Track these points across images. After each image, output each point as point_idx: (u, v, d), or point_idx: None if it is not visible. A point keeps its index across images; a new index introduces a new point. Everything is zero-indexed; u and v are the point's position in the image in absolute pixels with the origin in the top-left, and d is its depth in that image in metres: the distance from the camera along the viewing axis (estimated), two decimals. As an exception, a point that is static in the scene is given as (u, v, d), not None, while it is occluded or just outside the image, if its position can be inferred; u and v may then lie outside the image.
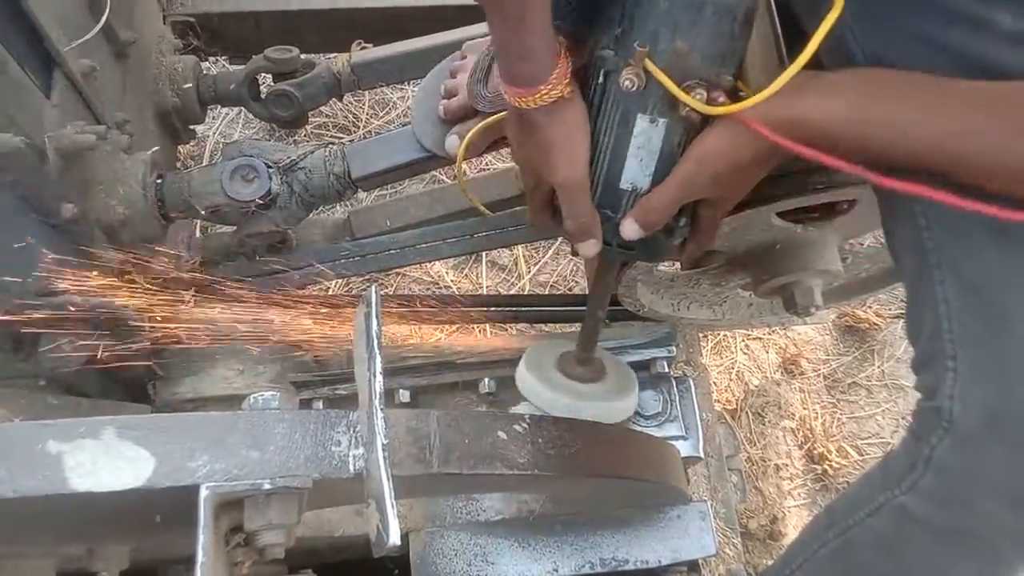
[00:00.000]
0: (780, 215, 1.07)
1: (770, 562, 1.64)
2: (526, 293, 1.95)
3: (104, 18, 1.08)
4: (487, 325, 1.85)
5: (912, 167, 0.72)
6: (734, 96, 0.76)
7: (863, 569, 0.90)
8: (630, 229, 0.80)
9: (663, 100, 0.75)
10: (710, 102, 0.74)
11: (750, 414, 1.94)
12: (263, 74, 1.33)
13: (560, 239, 1.86)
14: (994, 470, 0.74)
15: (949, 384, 0.75)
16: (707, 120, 0.76)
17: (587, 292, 0.96)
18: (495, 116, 1.00)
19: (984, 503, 0.75)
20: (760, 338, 2.05)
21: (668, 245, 0.85)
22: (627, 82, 0.74)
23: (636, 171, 0.78)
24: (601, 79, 0.77)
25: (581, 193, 0.80)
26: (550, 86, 0.75)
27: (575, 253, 0.91)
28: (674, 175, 0.77)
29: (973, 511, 0.77)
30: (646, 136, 0.76)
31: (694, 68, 0.73)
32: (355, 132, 2.12)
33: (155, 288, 1.07)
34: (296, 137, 2.08)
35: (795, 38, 0.86)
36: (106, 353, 1.03)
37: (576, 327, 1.63)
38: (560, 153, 0.79)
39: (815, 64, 0.83)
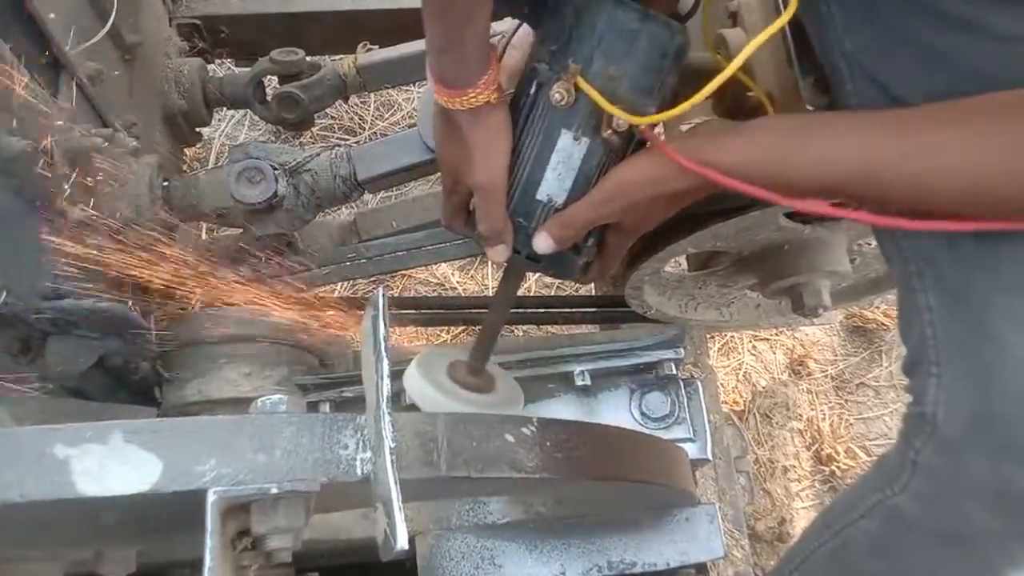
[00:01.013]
0: (788, 216, 1.06)
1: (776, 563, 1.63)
2: (531, 295, 1.95)
3: (110, 21, 1.08)
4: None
5: (838, 198, 0.74)
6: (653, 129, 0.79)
7: (857, 569, 0.90)
8: (543, 242, 0.81)
9: (589, 119, 0.77)
10: (631, 130, 0.76)
11: (758, 415, 1.93)
12: (269, 76, 1.33)
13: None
14: (977, 473, 0.74)
15: (933, 389, 0.76)
16: (626, 148, 0.79)
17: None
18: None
19: (968, 505, 0.76)
20: (767, 339, 2.04)
21: (574, 263, 0.86)
22: (557, 95, 0.76)
23: (554, 184, 0.80)
24: (533, 90, 0.79)
25: (496, 197, 0.81)
26: (478, 90, 0.77)
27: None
28: (592, 195, 0.79)
29: (958, 513, 0.77)
30: (567, 152, 0.78)
31: (622, 95, 0.75)
32: (361, 134, 2.12)
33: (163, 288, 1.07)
34: (302, 139, 2.08)
35: (802, 35, 0.87)
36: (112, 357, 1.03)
37: (581, 328, 1.63)
38: (480, 156, 0.80)
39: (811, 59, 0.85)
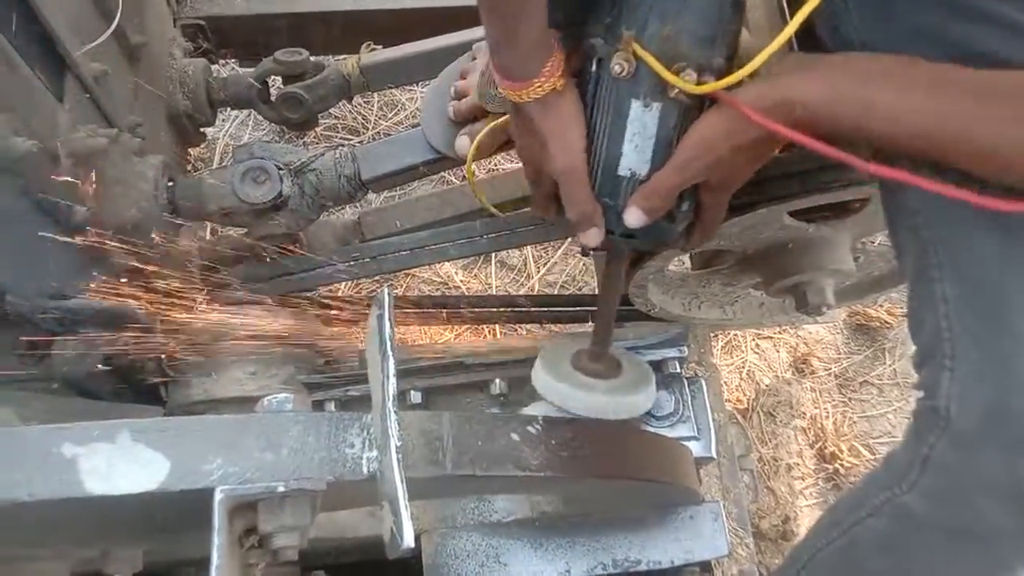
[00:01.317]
0: (792, 214, 1.06)
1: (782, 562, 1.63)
2: (536, 293, 1.95)
3: (115, 22, 1.09)
4: (497, 325, 1.85)
5: (905, 151, 0.72)
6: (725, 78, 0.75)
7: (866, 568, 0.90)
8: (633, 216, 0.80)
9: (655, 84, 0.75)
10: (700, 84, 0.74)
11: (761, 413, 1.93)
12: (273, 77, 1.34)
13: (569, 239, 1.86)
14: (991, 469, 0.73)
15: (947, 383, 0.75)
16: (702, 103, 0.76)
17: (597, 291, 0.96)
18: (505, 117, 1.00)
19: (981, 502, 0.75)
20: (771, 337, 2.04)
21: (672, 231, 0.84)
22: (617, 67, 0.74)
23: (633, 157, 0.78)
24: (594, 67, 0.78)
25: (579, 181, 0.80)
26: (543, 79, 0.76)
27: (585, 253, 0.90)
28: (673, 160, 0.77)
29: (971, 510, 0.76)
30: (641, 122, 0.77)
31: (683, 52, 0.73)
32: (364, 133, 2.12)
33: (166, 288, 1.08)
34: (305, 139, 2.08)
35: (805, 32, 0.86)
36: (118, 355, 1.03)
37: (587, 327, 1.63)
38: (556, 143, 0.80)
39: (816, 47, 0.83)
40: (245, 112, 2.11)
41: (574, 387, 0.96)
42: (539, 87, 0.77)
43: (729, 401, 1.89)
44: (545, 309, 1.59)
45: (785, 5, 0.92)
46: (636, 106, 0.76)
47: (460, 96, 1.10)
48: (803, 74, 0.73)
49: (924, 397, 0.78)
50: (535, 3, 0.73)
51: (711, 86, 0.73)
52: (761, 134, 0.74)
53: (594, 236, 0.83)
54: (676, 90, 0.74)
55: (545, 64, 0.76)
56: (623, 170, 0.79)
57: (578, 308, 1.54)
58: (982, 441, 0.73)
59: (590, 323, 1.59)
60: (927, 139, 0.70)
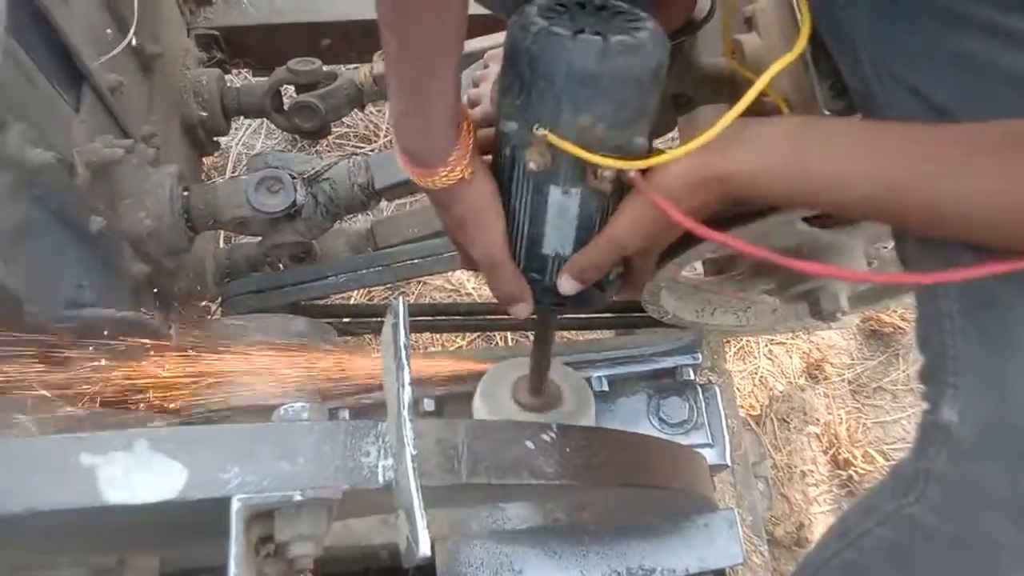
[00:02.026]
0: (805, 220, 1.06)
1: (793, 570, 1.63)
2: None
3: (131, 33, 1.09)
4: (508, 332, 1.85)
5: (851, 215, 0.71)
6: (647, 157, 0.72)
7: None
8: (567, 286, 0.78)
9: (573, 172, 0.71)
10: (622, 173, 0.70)
11: (775, 420, 1.92)
12: (286, 86, 1.34)
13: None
14: (993, 484, 0.73)
15: (949, 399, 0.74)
16: (621, 184, 0.72)
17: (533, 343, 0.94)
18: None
19: (984, 516, 0.75)
20: (783, 343, 2.03)
21: (602, 298, 0.82)
22: (532, 164, 0.70)
23: (557, 238, 0.75)
24: (508, 152, 0.73)
25: (500, 266, 0.77)
26: (448, 168, 0.72)
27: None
28: (606, 237, 0.74)
29: (973, 524, 0.76)
30: (561, 206, 0.73)
31: (601, 139, 0.68)
32: (376, 142, 2.13)
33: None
34: (318, 147, 2.09)
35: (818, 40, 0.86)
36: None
37: (590, 333, 1.63)
38: (472, 232, 0.77)
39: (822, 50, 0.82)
40: (258, 121, 2.12)
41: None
42: (445, 176, 0.72)
43: (742, 407, 1.88)
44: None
45: (796, 6, 0.92)
46: (555, 192, 0.72)
47: (472, 104, 1.10)
48: (732, 147, 0.69)
49: (928, 410, 0.78)
50: (447, 82, 0.69)
51: (640, 162, 0.69)
52: (693, 207, 0.71)
53: (522, 310, 0.81)
54: (596, 180, 0.70)
55: (451, 152, 0.71)
56: (548, 249, 0.76)
57: (586, 315, 1.54)
58: (983, 456, 0.73)
59: (596, 331, 1.60)
60: (868, 202, 0.69)
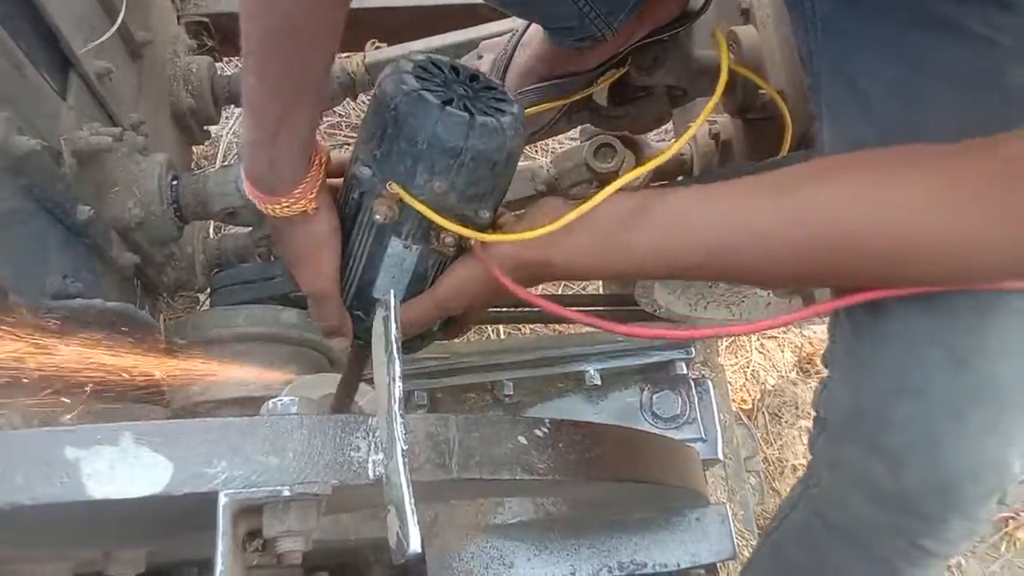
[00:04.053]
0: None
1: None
2: (539, 293, 1.94)
3: (120, 19, 1.08)
4: (500, 326, 1.85)
5: (697, 279, 0.78)
6: (490, 230, 0.75)
7: (789, 563, 0.92)
8: None
9: (418, 228, 0.73)
10: (463, 239, 0.73)
11: (767, 414, 1.92)
12: (277, 74, 1.33)
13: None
14: (854, 467, 0.75)
15: (827, 388, 0.79)
16: (461, 250, 0.75)
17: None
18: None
19: (853, 500, 0.77)
20: (775, 337, 2.03)
21: (421, 346, 0.85)
22: (379, 215, 0.71)
23: (388, 285, 0.77)
24: (356, 196, 0.74)
25: (328, 301, 0.78)
26: (292, 199, 0.72)
27: None
28: (430, 297, 0.76)
29: (847, 506, 0.79)
30: (400, 257, 0.75)
31: (451, 206, 0.71)
32: (368, 132, 2.11)
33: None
34: (309, 137, 2.07)
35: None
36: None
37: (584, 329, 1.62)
38: (306, 265, 0.77)
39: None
40: (249, 110, 2.11)
41: None
42: (287, 207, 0.72)
43: (734, 402, 1.88)
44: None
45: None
46: (396, 244, 0.74)
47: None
48: (558, 236, 0.71)
49: (813, 404, 0.84)
50: (300, 112, 0.69)
51: (491, 236, 0.73)
52: (518, 278, 0.74)
53: (341, 343, 0.83)
54: (439, 242, 0.73)
55: (299, 184, 0.71)
56: (378, 293, 0.77)
57: (580, 308, 1.54)
58: (844, 440, 0.77)
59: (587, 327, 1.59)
60: (699, 269, 0.72)
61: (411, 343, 0.83)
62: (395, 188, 0.69)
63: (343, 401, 0.94)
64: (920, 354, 0.69)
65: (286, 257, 0.80)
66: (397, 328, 0.64)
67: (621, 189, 0.72)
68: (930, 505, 0.72)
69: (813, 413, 0.84)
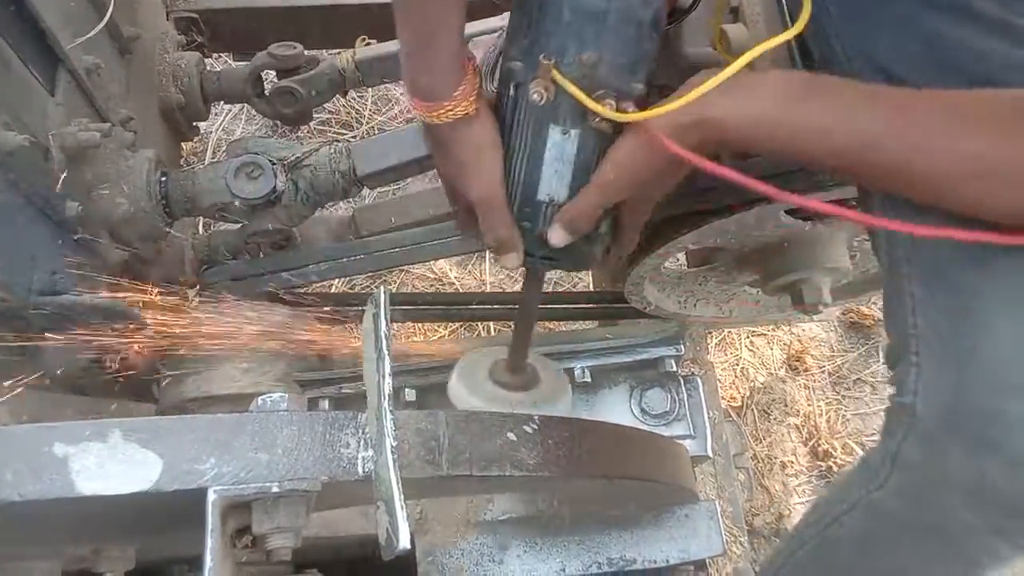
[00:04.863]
0: (789, 212, 1.06)
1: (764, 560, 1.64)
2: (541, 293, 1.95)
3: (108, 15, 1.07)
4: (491, 322, 1.85)
5: (834, 169, 0.74)
6: (645, 104, 0.75)
7: (840, 567, 0.90)
8: (557, 236, 0.79)
9: (574, 111, 0.74)
10: (620, 111, 0.73)
11: (756, 411, 1.93)
12: (267, 70, 1.33)
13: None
14: (955, 466, 0.73)
15: (913, 380, 0.75)
16: (620, 128, 0.75)
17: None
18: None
19: (948, 499, 0.75)
20: (765, 334, 2.04)
21: (591, 253, 0.84)
22: (535, 95, 0.73)
23: (553, 182, 0.78)
24: (512, 91, 0.76)
25: (497, 209, 0.79)
26: (454, 103, 0.74)
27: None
28: (594, 182, 0.77)
29: (938, 507, 0.77)
30: (560, 147, 0.76)
31: (603, 79, 0.72)
32: (358, 128, 2.11)
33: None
34: (299, 133, 2.07)
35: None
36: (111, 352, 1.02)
37: (572, 324, 1.62)
38: (472, 170, 0.78)
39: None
40: (238, 106, 2.10)
41: (487, 400, 0.94)
42: (450, 110, 0.75)
43: (723, 399, 1.89)
44: (538, 307, 1.58)
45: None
46: (555, 132, 0.75)
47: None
48: (723, 96, 0.72)
49: (895, 394, 0.79)
50: (453, 18, 0.72)
51: (633, 115, 0.73)
52: (676, 156, 0.74)
53: (512, 260, 0.82)
54: (596, 119, 0.73)
55: (458, 86, 0.74)
56: (542, 195, 0.78)
57: (570, 305, 1.54)
58: (945, 437, 0.73)
59: (581, 322, 1.59)
60: (842, 157, 0.71)
61: (579, 250, 0.83)
62: (547, 61, 0.71)
63: (520, 345, 0.94)
64: None
65: (449, 170, 0.82)
66: (387, 325, 0.64)
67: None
68: None
69: (887, 406, 0.81)
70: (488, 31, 1.16)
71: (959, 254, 0.71)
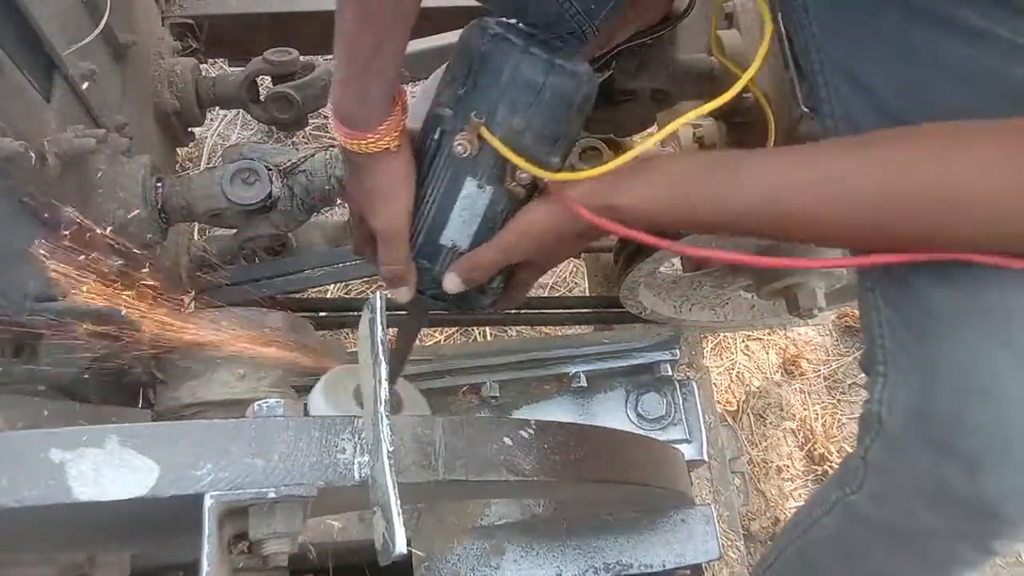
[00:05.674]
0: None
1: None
2: (527, 297, 1.95)
3: (104, 21, 1.08)
4: (487, 327, 1.85)
5: (743, 233, 0.77)
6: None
7: (820, 568, 0.92)
8: (451, 283, 0.81)
9: (492, 169, 0.76)
10: (536, 180, 0.76)
11: (751, 415, 1.93)
12: (262, 76, 1.33)
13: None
14: (918, 471, 0.75)
15: (879, 388, 0.77)
16: (531, 195, 0.78)
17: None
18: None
19: (913, 504, 0.77)
20: (760, 339, 2.04)
21: (480, 301, 0.86)
22: (459, 147, 0.75)
23: (458, 230, 0.80)
24: (436, 136, 0.78)
25: (397, 243, 0.80)
26: (378, 135, 0.75)
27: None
28: (499, 240, 0.79)
29: (905, 511, 0.78)
30: (472, 200, 0.78)
31: (526, 146, 0.75)
32: (354, 134, 2.11)
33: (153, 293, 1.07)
34: (294, 139, 2.07)
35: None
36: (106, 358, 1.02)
37: (574, 328, 1.63)
38: (381, 203, 0.79)
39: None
40: (233, 111, 2.10)
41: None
42: (373, 142, 0.76)
43: (719, 403, 1.89)
44: (535, 311, 1.59)
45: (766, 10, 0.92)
46: (471, 184, 0.77)
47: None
48: (626, 179, 0.75)
49: (867, 400, 0.80)
50: (393, 47, 0.72)
51: (561, 175, 0.76)
52: (585, 227, 0.77)
53: (403, 294, 0.84)
54: (512, 182, 0.76)
55: (384, 120, 0.75)
56: (446, 240, 0.80)
57: (566, 310, 1.54)
58: (909, 442, 0.75)
59: (574, 326, 1.60)
60: (749, 216, 0.73)
61: (472, 297, 0.85)
62: (478, 119, 0.73)
63: (392, 370, 0.94)
64: (986, 355, 0.69)
65: (359, 197, 0.82)
66: (383, 330, 0.64)
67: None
68: (1010, 507, 0.71)
69: (859, 414, 0.82)
70: (429, 50, 1.18)
71: (920, 268, 0.71)
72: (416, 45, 1.29)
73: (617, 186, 0.74)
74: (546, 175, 0.75)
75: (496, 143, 0.74)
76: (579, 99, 0.75)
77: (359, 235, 0.87)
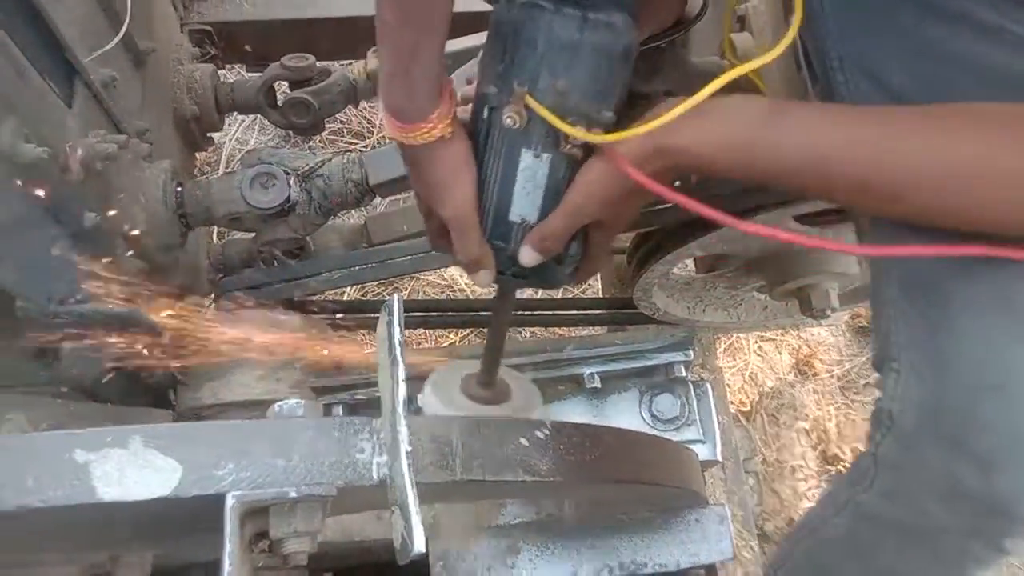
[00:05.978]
0: (797, 218, 1.07)
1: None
2: (537, 297, 1.96)
3: (124, 28, 1.09)
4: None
5: (801, 187, 0.75)
6: (614, 131, 0.76)
7: (831, 567, 0.92)
8: (528, 256, 0.81)
9: (546, 136, 0.76)
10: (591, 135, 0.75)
11: (765, 416, 1.93)
12: (280, 81, 1.34)
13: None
14: (930, 467, 0.75)
15: (892, 384, 0.77)
16: (589, 153, 0.77)
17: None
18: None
19: (925, 500, 0.77)
20: (773, 339, 2.04)
21: (561, 272, 0.86)
22: (508, 120, 0.74)
23: (524, 204, 0.79)
24: (486, 115, 0.78)
25: (469, 229, 0.80)
26: (430, 124, 0.75)
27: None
28: (564, 204, 0.78)
29: (917, 508, 0.78)
30: (532, 170, 0.78)
31: (574, 106, 0.74)
32: (369, 138, 2.13)
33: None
34: (311, 143, 2.08)
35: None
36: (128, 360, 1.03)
37: (588, 329, 1.63)
38: (446, 190, 0.79)
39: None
40: (251, 117, 2.12)
41: (461, 412, 0.95)
42: (426, 132, 0.76)
43: (733, 404, 1.89)
44: (547, 312, 1.60)
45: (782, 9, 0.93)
46: (527, 156, 0.77)
47: (466, 102, 1.10)
48: (686, 123, 0.73)
49: (879, 398, 0.80)
50: (434, 42, 0.73)
51: (599, 137, 0.74)
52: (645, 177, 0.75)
53: (483, 278, 0.83)
54: (567, 144, 0.75)
55: (435, 109, 0.75)
56: (514, 216, 0.80)
57: (580, 311, 1.55)
58: (921, 439, 0.75)
59: (588, 327, 1.60)
60: (808, 176, 0.72)
61: (552, 269, 0.84)
62: (521, 89, 0.73)
63: (491, 359, 0.95)
64: (1001, 350, 0.69)
65: (423, 191, 0.82)
66: (401, 332, 0.65)
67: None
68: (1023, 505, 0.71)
69: (871, 412, 0.82)
70: (468, 49, 1.18)
71: (937, 263, 0.71)
72: (453, 46, 1.30)
73: (677, 130, 0.72)
74: (591, 137, 0.74)
75: (541, 109, 0.73)
76: (619, 49, 0.74)
77: (431, 229, 0.87)
